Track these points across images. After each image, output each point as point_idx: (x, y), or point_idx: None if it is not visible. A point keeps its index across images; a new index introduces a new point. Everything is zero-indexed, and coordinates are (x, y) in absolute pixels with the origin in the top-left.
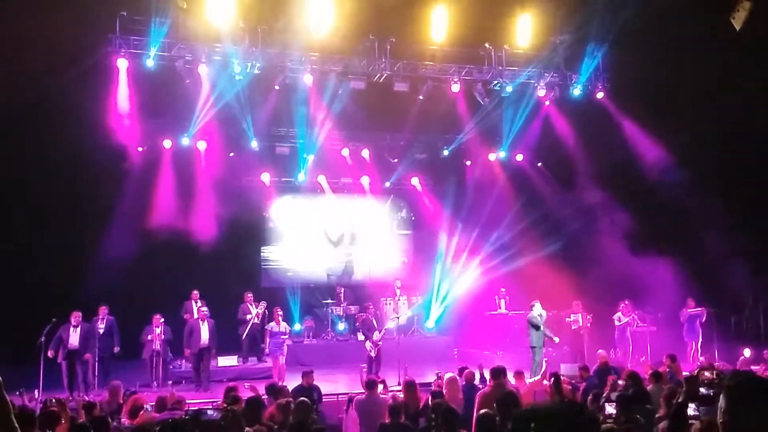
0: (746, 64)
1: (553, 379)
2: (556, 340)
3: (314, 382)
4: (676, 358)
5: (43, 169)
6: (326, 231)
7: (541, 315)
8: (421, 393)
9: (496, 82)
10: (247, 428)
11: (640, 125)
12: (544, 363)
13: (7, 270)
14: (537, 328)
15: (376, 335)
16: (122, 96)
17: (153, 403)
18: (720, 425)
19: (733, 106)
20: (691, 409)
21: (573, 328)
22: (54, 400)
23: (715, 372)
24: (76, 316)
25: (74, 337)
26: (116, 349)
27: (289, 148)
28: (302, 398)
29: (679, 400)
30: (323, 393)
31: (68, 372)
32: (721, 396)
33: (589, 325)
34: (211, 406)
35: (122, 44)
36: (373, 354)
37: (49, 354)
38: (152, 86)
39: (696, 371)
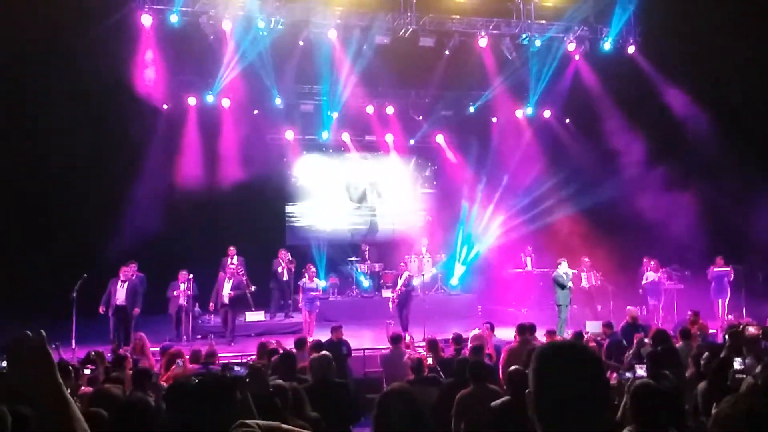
0: None
1: (574, 337)
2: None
3: (342, 337)
4: (699, 315)
5: (68, 126)
6: (350, 188)
7: (567, 273)
8: (445, 348)
9: (524, 35)
10: (279, 381)
11: (672, 79)
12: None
13: (39, 227)
14: (562, 287)
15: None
16: (147, 53)
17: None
18: None
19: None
20: (737, 364)
21: (582, 286)
22: (93, 353)
23: (762, 329)
24: (125, 272)
25: (121, 293)
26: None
27: (313, 105)
28: (324, 353)
29: (722, 356)
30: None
31: (115, 327)
32: None
33: (596, 283)
34: (238, 362)
35: (146, 0)
36: (390, 306)
37: (100, 310)
38: (176, 43)
39: (741, 326)
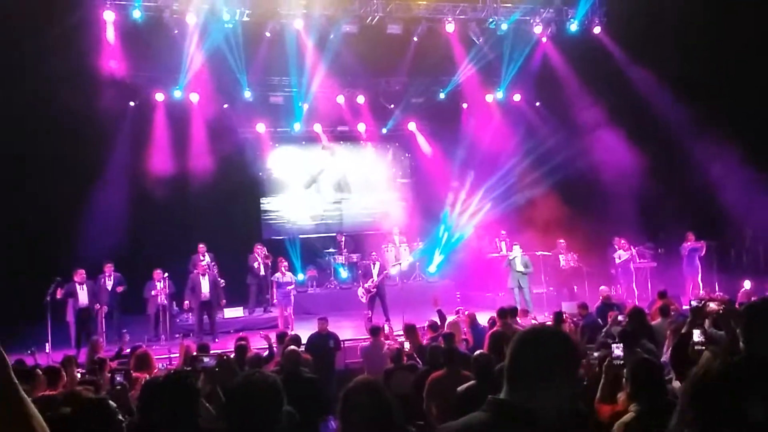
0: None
1: (554, 317)
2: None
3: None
4: (666, 294)
5: (34, 128)
6: (324, 180)
7: (516, 258)
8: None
9: (491, 20)
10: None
11: (637, 59)
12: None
13: (7, 231)
14: (513, 269)
15: (369, 282)
16: (111, 50)
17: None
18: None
19: (731, 36)
20: (697, 335)
21: (561, 267)
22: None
23: (722, 305)
24: (80, 274)
25: (83, 295)
26: (117, 288)
27: (283, 97)
28: (291, 347)
29: (683, 331)
30: None
31: (77, 330)
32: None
33: (573, 264)
34: (207, 354)
35: None
36: (363, 300)
37: (58, 294)
38: (141, 39)
39: (702, 302)
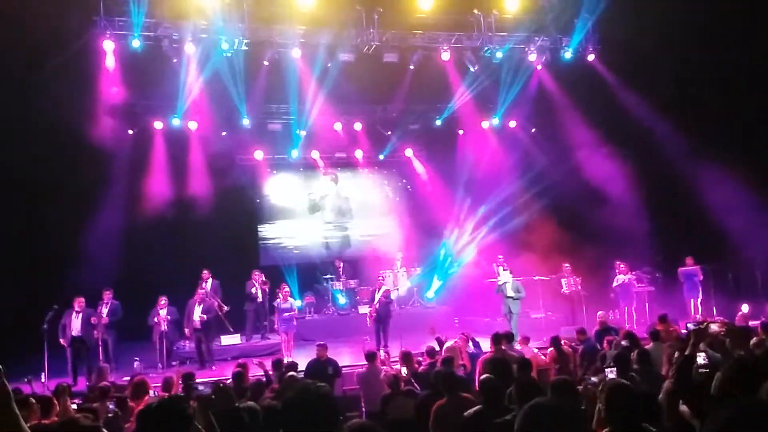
0: (735, 21)
1: (552, 342)
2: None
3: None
4: (667, 318)
5: (34, 155)
6: (322, 206)
7: (507, 283)
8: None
9: (486, 48)
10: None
11: (631, 85)
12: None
13: (6, 259)
14: (504, 295)
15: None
16: (110, 78)
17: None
18: None
19: (726, 61)
20: (701, 358)
21: (563, 291)
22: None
23: (725, 326)
24: (79, 303)
25: (76, 324)
26: (104, 319)
27: (281, 124)
28: (291, 373)
29: (686, 353)
30: None
31: (72, 358)
32: None
33: (578, 288)
34: (202, 382)
35: (107, 26)
36: (368, 321)
37: (63, 342)
38: (140, 67)
39: (703, 324)
